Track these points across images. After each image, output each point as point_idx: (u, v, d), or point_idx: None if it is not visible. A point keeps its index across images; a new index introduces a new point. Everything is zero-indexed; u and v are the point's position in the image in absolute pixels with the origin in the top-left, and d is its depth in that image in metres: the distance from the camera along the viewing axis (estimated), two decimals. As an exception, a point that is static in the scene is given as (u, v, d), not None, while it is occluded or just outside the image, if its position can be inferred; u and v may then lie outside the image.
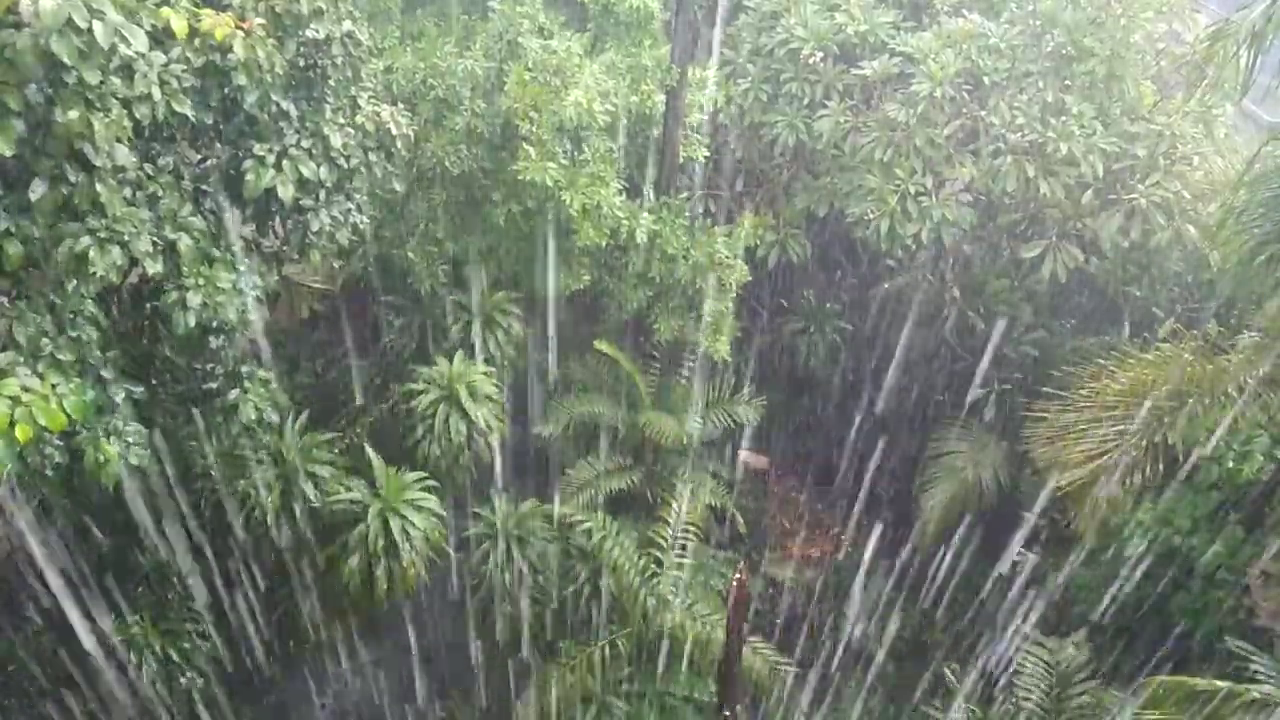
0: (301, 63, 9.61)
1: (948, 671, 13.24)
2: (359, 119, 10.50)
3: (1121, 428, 11.46)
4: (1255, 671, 9.67)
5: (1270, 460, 11.69)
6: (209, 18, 8.37)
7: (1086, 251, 13.79)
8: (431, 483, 12.31)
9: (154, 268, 8.52)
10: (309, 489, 11.58)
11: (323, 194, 10.13)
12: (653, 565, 13.29)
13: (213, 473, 11.46)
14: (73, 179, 7.69)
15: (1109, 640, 12.47)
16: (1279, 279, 10.72)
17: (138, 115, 7.87)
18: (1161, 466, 11.35)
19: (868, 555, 17.99)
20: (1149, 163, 13.24)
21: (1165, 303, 14.57)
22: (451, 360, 12.91)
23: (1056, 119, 13.05)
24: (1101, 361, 12.34)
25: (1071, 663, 11.65)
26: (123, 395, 9.01)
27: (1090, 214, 13.48)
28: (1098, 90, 13.44)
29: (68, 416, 7.93)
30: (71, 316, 8.43)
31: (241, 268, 9.60)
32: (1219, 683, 9.31)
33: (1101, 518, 11.87)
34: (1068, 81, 13.46)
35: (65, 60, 6.99)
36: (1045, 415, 12.40)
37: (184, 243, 8.89)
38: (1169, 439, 11.18)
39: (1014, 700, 11.68)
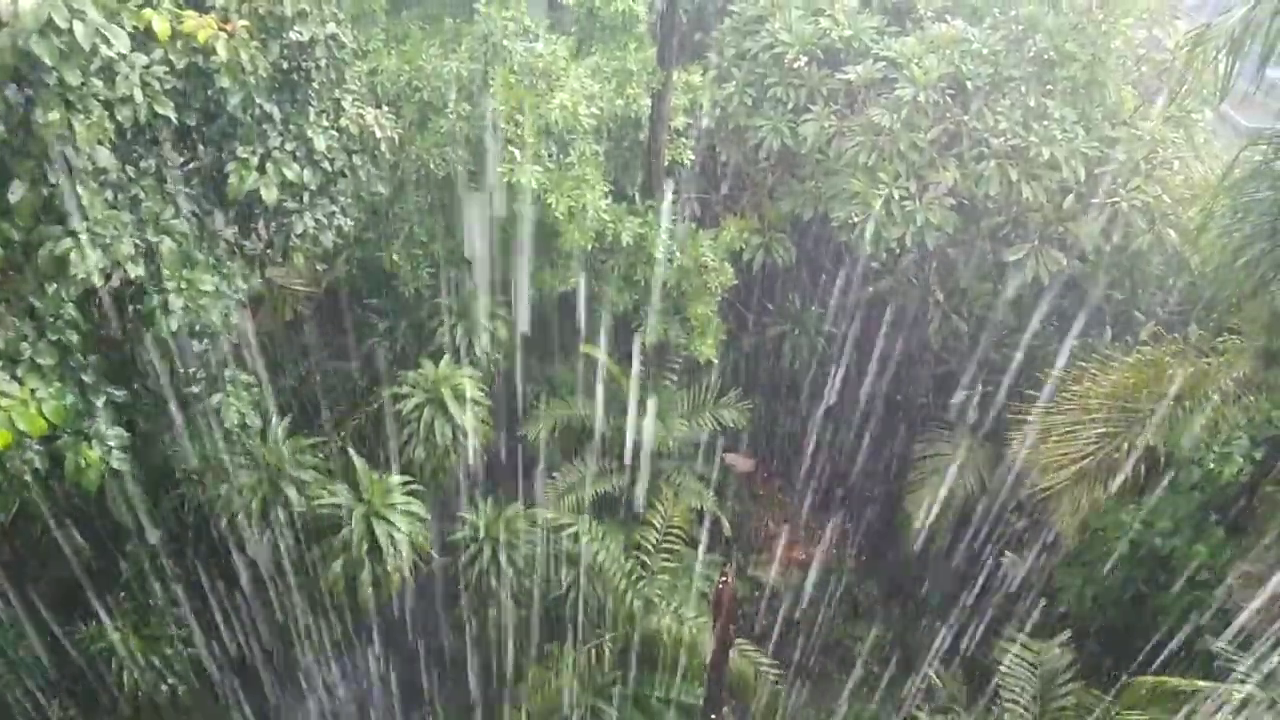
0: (285, 65, 9.56)
1: (932, 673, 13.29)
2: (343, 121, 10.46)
3: (1103, 430, 11.55)
4: (1236, 671, 9.75)
5: (1250, 462, 11.79)
6: (191, 19, 8.32)
7: (1068, 255, 13.90)
8: (416, 486, 12.26)
9: (136, 271, 8.46)
10: (292, 493, 11.50)
11: (306, 196, 10.09)
12: (639, 568, 13.28)
13: (195, 477, 11.37)
14: (53, 181, 7.63)
15: (1092, 641, 12.55)
16: (1258, 282, 10.83)
17: (119, 117, 7.82)
18: (1143, 468, 11.44)
19: (852, 557, 18.08)
20: (1130, 167, 13.35)
21: (1146, 306, 14.70)
22: (437, 363, 12.87)
23: (1038, 123, 13.15)
24: (1084, 365, 12.43)
25: (1055, 663, 11.71)
26: (104, 399, 8.93)
27: (1072, 218, 13.59)
28: (1079, 95, 13.56)
29: (47, 421, 7.86)
30: (52, 320, 8.36)
31: (224, 271, 9.53)
32: (1201, 683, 9.38)
33: (1084, 520, 11.96)
34: (1049, 86, 13.56)
35: (46, 61, 6.93)
36: (1028, 418, 12.48)
37: (166, 245, 8.83)
38: (1150, 441, 11.27)
39: (999, 701, 11.74)
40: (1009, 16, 13.76)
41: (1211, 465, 11.87)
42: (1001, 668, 11.88)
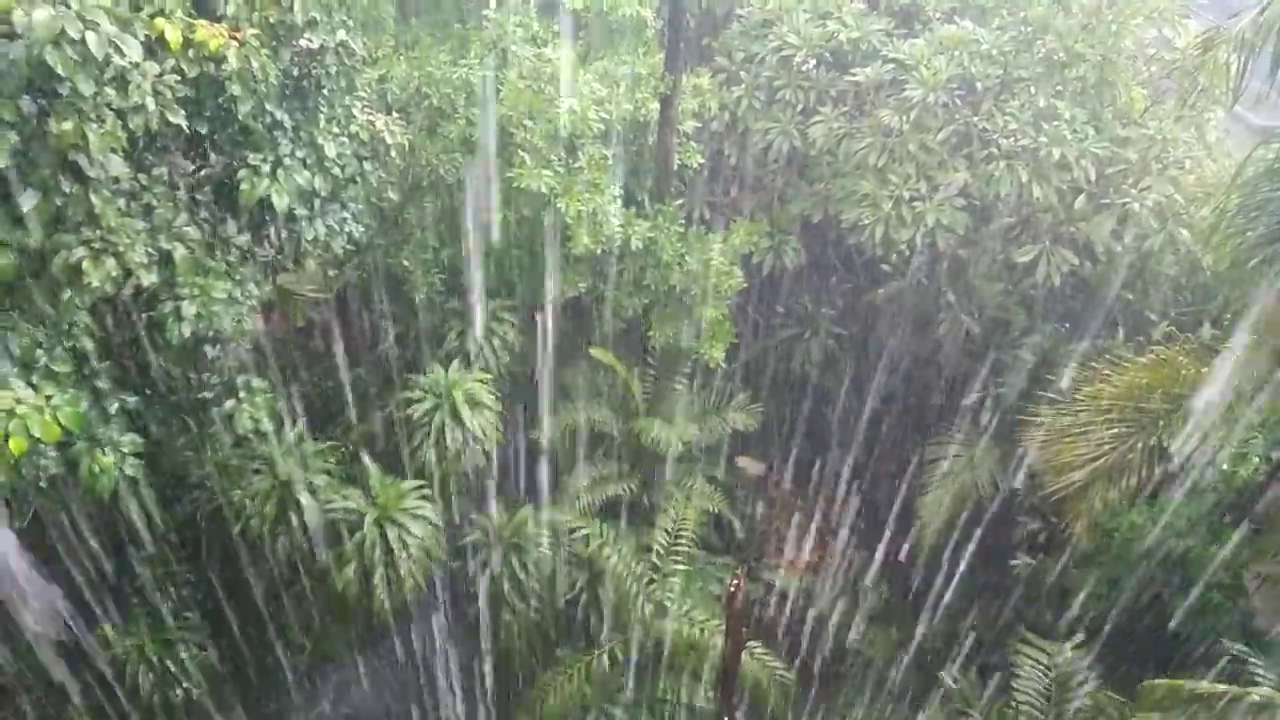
0: (295, 72, 9.63)
1: (946, 676, 13.23)
2: (353, 128, 10.52)
3: (1117, 431, 11.48)
4: (1254, 673, 9.67)
5: (1266, 462, 11.70)
6: (203, 28, 8.38)
7: (1080, 255, 13.83)
8: (428, 491, 12.29)
9: (149, 278, 8.52)
10: (305, 498, 11.54)
11: (318, 203, 10.14)
12: (650, 572, 13.27)
13: (208, 483, 11.44)
14: (67, 190, 7.69)
15: (1107, 644, 12.46)
16: (1272, 280, 10.74)
17: (132, 125, 7.88)
18: (1157, 469, 11.36)
19: (865, 560, 18.01)
20: (1141, 167, 13.29)
21: (1159, 306, 14.61)
22: (447, 368, 12.91)
23: (1049, 124, 13.10)
24: (1096, 365, 12.37)
25: (1069, 666, 11.64)
26: (117, 406, 9.00)
27: (1083, 218, 13.53)
28: (1089, 95, 13.51)
29: (62, 428, 7.91)
30: (66, 328, 8.42)
31: (237, 277, 9.59)
32: (1218, 685, 9.30)
33: (1097, 521, 11.88)
34: (1059, 87, 13.51)
35: (59, 71, 6.99)
36: (1041, 419, 12.42)
37: (179, 253, 8.89)
38: (1164, 442, 11.20)
39: (1013, 704, 11.67)
40: (1018, 17, 13.73)
41: (1226, 465, 11.79)
42: (1016, 670, 11.82)
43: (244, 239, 10.22)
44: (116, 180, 8.10)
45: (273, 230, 10.44)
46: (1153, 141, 13.24)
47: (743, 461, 18.58)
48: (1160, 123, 13.37)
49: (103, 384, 8.87)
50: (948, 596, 15.48)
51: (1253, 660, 9.88)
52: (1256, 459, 11.76)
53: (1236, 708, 9.05)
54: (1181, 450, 11.22)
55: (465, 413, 12.53)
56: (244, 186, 9.34)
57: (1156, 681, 9.90)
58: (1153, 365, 11.67)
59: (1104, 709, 11.05)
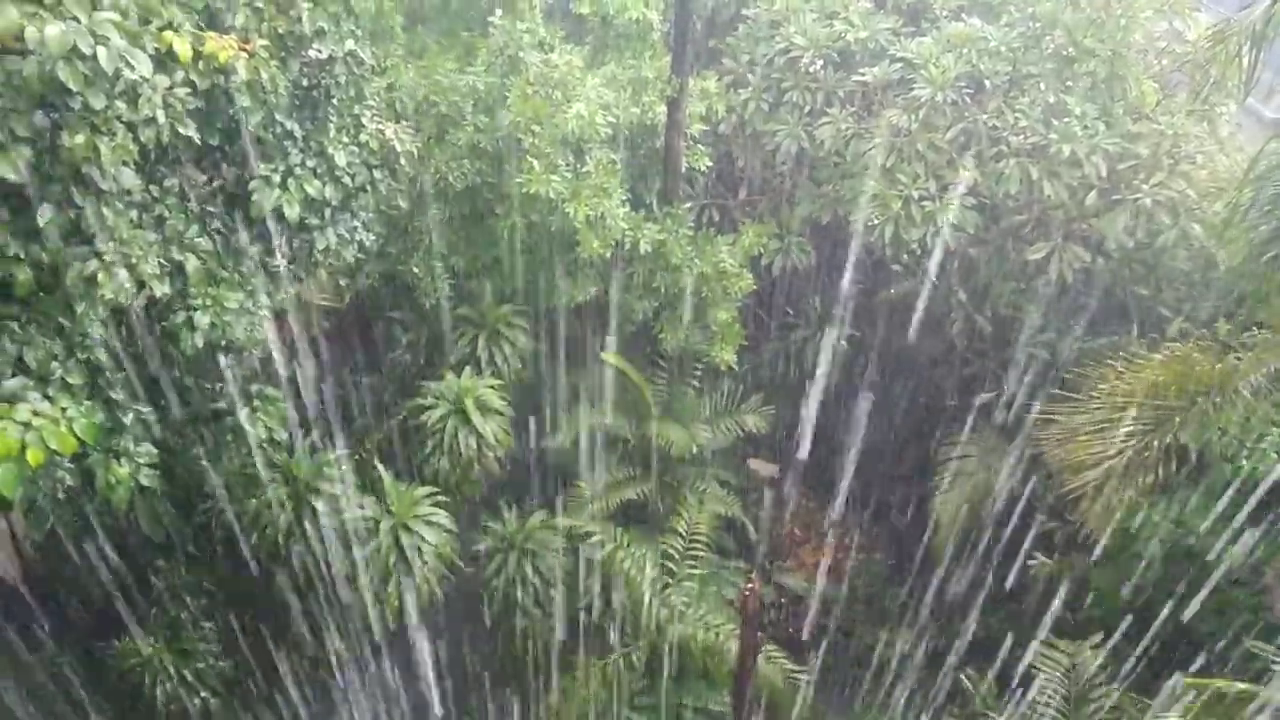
0: (305, 83, 9.67)
1: (964, 677, 13.16)
2: (363, 137, 10.56)
3: (1132, 428, 11.40)
4: (1276, 672, 9.57)
5: (1283, 457, 11.58)
6: (212, 41, 8.42)
7: (1092, 252, 13.75)
8: (442, 497, 12.31)
9: (161, 289, 8.56)
10: (320, 506, 11.58)
11: (328, 212, 10.18)
12: (665, 576, 13.26)
13: (223, 492, 11.49)
14: (80, 203, 7.74)
15: (1125, 643, 12.37)
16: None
17: (143, 138, 7.92)
18: (1174, 467, 11.27)
19: (880, 561, 17.95)
20: (1153, 162, 13.20)
21: (1173, 302, 14.51)
22: (459, 374, 12.94)
23: (1059, 120, 13.04)
24: (1111, 362, 12.28)
25: (1089, 666, 11.55)
26: (132, 417, 9.04)
27: (1095, 214, 13.45)
28: (1099, 91, 13.44)
29: (78, 439, 7.95)
30: (81, 339, 8.47)
31: (249, 287, 9.64)
32: (1240, 684, 9.21)
33: (1116, 520, 11.79)
34: (1069, 83, 13.45)
35: (71, 86, 7.03)
36: (1055, 417, 12.34)
37: (191, 264, 8.94)
38: (1180, 439, 11.11)
39: (1031, 705, 11.59)
40: (1026, 13, 13.68)
41: (1244, 462, 11.68)
42: (1034, 670, 11.74)
43: (256, 249, 10.26)
44: (129, 192, 8.15)
45: (284, 240, 10.49)
46: (1164, 136, 13.16)
47: (755, 463, 18.54)
48: (1171, 117, 13.28)
49: (117, 395, 8.91)
50: (964, 596, 15.40)
51: (1275, 658, 9.77)
52: (1274, 454, 11.64)
53: (1261, 706, 8.96)
54: (1198, 447, 11.15)
55: (477, 419, 12.57)
56: (255, 197, 9.39)
57: (1181, 681, 9.81)
58: (1167, 361, 11.58)
59: (1124, 709, 10.95)
